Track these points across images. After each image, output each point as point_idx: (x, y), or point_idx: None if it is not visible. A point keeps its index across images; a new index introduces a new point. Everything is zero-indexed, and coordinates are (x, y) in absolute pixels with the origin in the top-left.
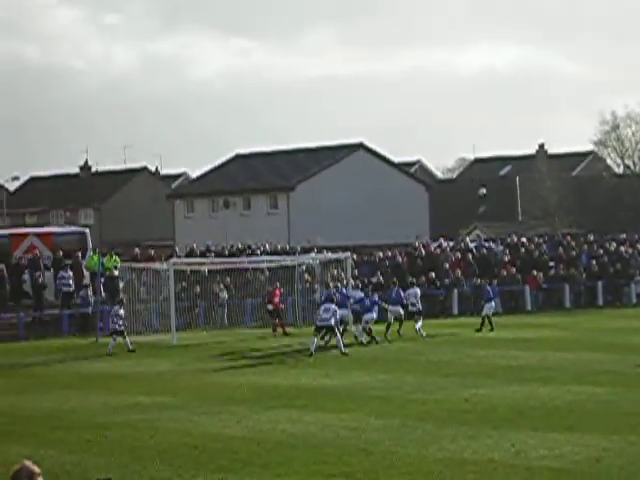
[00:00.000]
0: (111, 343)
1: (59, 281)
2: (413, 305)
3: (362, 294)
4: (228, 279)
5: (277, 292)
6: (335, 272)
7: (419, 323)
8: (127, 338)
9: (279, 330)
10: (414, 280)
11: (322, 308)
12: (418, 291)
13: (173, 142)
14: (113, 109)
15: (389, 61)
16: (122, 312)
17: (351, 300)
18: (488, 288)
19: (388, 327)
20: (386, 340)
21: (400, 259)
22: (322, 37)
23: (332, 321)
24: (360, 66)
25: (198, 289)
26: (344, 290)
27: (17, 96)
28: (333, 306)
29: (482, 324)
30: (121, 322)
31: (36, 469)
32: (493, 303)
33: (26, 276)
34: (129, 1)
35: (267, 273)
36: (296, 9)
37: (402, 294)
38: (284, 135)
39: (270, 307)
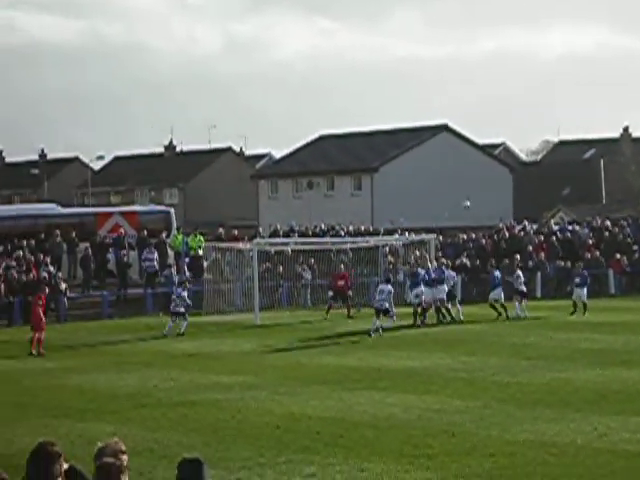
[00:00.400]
0: (169, 324)
1: (144, 260)
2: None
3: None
4: (312, 260)
5: (344, 275)
6: (418, 253)
7: (521, 304)
8: (186, 321)
9: (337, 312)
10: (519, 263)
11: (377, 290)
12: (520, 273)
13: (258, 123)
14: (197, 89)
15: (473, 43)
16: (185, 294)
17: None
18: (496, 274)
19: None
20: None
21: (484, 241)
22: (406, 18)
23: (386, 304)
24: (444, 48)
25: (281, 269)
26: (445, 269)
27: (100, 75)
28: (388, 287)
29: (574, 307)
30: (184, 304)
31: (121, 447)
32: (500, 289)
33: (110, 255)
34: None
35: (350, 254)
36: None
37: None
38: (368, 117)
39: (331, 293)
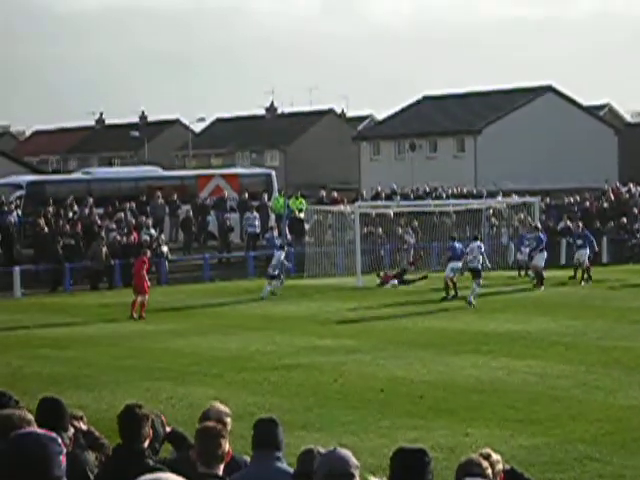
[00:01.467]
0: (266, 288)
1: (245, 222)
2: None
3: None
4: (416, 222)
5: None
6: (522, 216)
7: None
8: (281, 283)
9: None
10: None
11: (468, 249)
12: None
13: (359, 84)
14: (298, 50)
15: (575, 2)
16: (282, 257)
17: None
18: (456, 245)
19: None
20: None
21: (588, 204)
22: None
23: (475, 263)
24: (546, 8)
25: (381, 231)
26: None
27: (200, 36)
28: (477, 243)
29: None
30: (279, 267)
31: (226, 409)
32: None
33: (211, 217)
34: None
35: (454, 217)
36: None
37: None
38: (470, 77)
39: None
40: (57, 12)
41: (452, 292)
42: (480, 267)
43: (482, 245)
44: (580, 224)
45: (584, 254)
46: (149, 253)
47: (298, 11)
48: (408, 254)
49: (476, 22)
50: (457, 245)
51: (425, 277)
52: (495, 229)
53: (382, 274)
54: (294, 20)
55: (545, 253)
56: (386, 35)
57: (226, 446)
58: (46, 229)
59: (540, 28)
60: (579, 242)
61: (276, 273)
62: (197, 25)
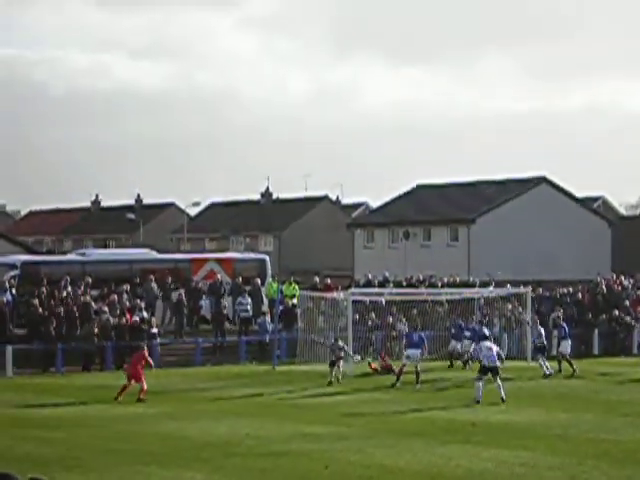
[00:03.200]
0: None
1: (237, 306)
2: None
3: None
4: (414, 310)
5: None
6: (510, 307)
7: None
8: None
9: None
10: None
11: (484, 347)
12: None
13: (353, 172)
14: (292, 137)
15: (565, 95)
16: (340, 343)
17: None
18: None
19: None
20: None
21: (581, 295)
22: (496, 68)
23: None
24: (537, 100)
25: (374, 317)
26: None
27: (193, 121)
28: (487, 344)
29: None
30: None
31: None
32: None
33: (203, 302)
34: (302, 28)
35: (446, 305)
36: (470, 36)
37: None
38: (464, 168)
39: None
40: (53, 94)
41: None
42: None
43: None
44: (560, 315)
45: (567, 345)
46: (145, 349)
47: (289, 99)
48: (400, 342)
49: (466, 111)
50: (414, 334)
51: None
52: (487, 319)
53: (371, 363)
54: (286, 107)
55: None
56: (374, 123)
57: None
58: (40, 309)
59: (533, 120)
60: (562, 333)
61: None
62: (189, 108)
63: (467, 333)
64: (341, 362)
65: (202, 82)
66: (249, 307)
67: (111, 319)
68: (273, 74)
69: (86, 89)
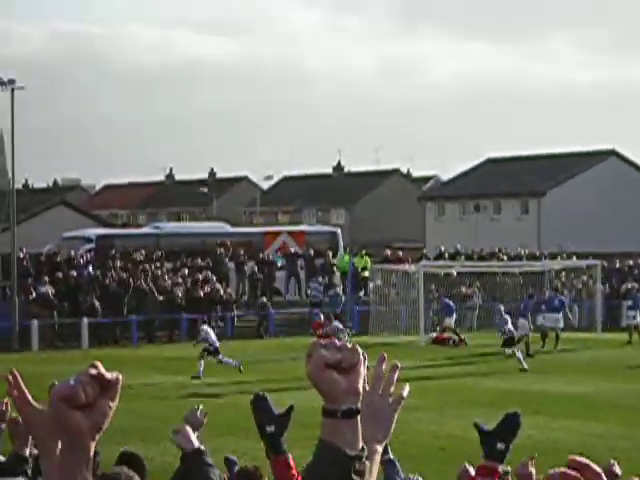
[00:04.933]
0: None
1: (311, 289)
2: None
3: None
4: (478, 282)
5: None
6: (584, 278)
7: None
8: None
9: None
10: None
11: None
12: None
13: (425, 144)
14: (361, 111)
15: (630, 68)
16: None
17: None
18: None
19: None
20: None
21: None
22: (561, 42)
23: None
24: (601, 72)
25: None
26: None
27: (262, 95)
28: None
29: None
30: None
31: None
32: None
33: (278, 273)
34: (366, 3)
35: (518, 278)
36: (536, 13)
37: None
38: (534, 140)
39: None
40: (122, 69)
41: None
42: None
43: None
44: (634, 286)
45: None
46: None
47: (355, 74)
48: (473, 313)
49: (532, 85)
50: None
51: (462, 341)
52: (557, 291)
53: (437, 332)
54: (353, 82)
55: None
56: (447, 97)
57: None
58: (115, 283)
59: (603, 91)
60: (629, 304)
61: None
62: (259, 85)
63: (543, 307)
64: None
65: (269, 57)
66: (320, 290)
67: (179, 293)
68: (339, 49)
69: (156, 64)
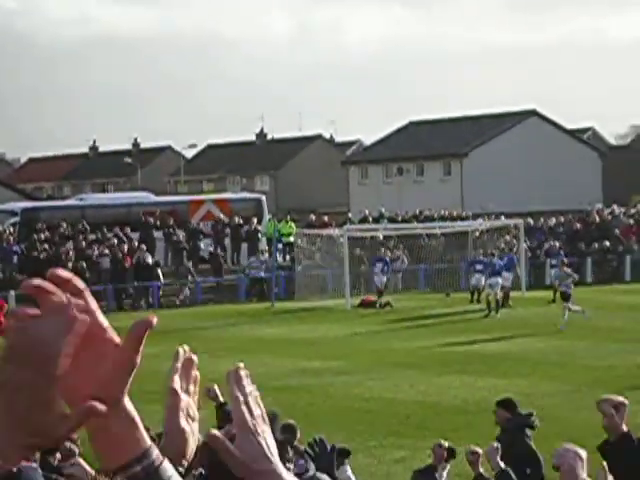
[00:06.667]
0: None
1: (249, 265)
2: None
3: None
4: (401, 245)
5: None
6: (507, 238)
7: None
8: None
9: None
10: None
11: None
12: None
13: (346, 109)
14: (284, 76)
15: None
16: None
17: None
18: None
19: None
20: None
21: (575, 226)
22: (477, 4)
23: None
24: (521, 34)
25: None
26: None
27: (180, 65)
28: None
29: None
30: None
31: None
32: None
33: (202, 242)
34: None
35: (441, 239)
36: None
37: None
38: (454, 103)
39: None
40: (43, 43)
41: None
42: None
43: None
44: (557, 244)
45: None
46: None
47: (274, 39)
48: (398, 275)
49: (453, 48)
50: (497, 261)
51: (388, 304)
52: (481, 251)
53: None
54: (272, 48)
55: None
56: (368, 62)
57: None
58: (42, 255)
59: (524, 51)
60: (553, 262)
61: None
62: (178, 54)
63: (478, 267)
64: None
65: (187, 25)
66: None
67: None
68: (255, 15)
69: (77, 35)
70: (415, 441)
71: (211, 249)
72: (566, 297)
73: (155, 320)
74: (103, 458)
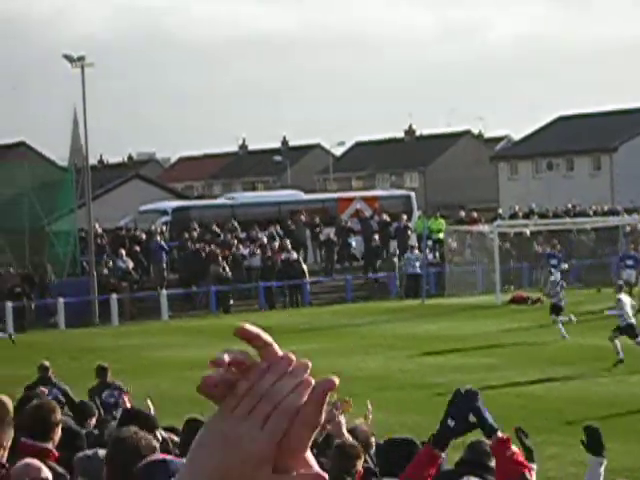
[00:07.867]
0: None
1: (406, 262)
2: None
3: None
4: (555, 240)
5: None
6: None
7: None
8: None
9: None
10: None
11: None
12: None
13: (495, 106)
14: (432, 72)
15: None
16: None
17: None
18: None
19: None
20: None
21: None
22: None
23: None
24: None
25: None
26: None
27: (330, 63)
28: None
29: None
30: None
31: (370, 429)
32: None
33: (353, 239)
34: None
35: (592, 234)
36: None
37: None
38: (603, 97)
39: None
40: (199, 43)
41: None
42: None
43: None
44: None
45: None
46: None
47: (417, 36)
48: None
49: (592, 44)
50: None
51: (539, 300)
52: (633, 246)
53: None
54: (415, 46)
55: None
56: (513, 59)
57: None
58: (193, 254)
59: None
60: None
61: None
62: (326, 52)
63: (629, 262)
64: None
65: (333, 23)
66: (417, 263)
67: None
68: (399, 14)
69: (223, 37)
70: (566, 437)
71: (362, 247)
72: None
73: (337, 381)
74: None
